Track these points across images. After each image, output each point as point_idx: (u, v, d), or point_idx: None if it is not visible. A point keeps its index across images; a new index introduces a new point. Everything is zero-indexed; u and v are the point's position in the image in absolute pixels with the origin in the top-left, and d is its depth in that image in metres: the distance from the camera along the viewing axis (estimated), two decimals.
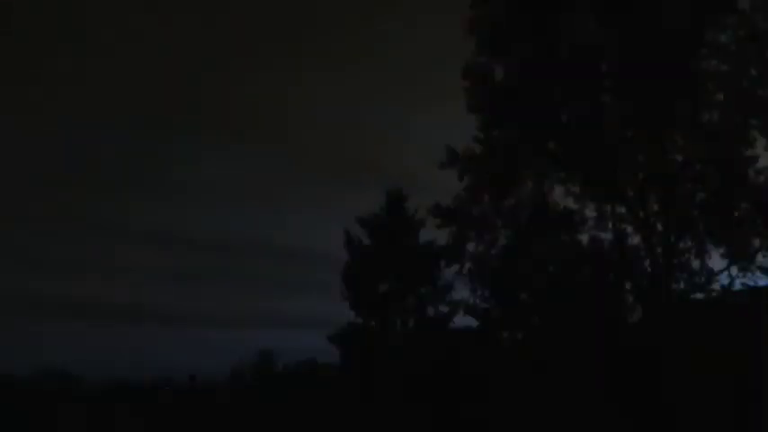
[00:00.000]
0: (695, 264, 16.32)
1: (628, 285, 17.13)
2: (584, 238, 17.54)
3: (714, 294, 16.32)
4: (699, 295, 16.65)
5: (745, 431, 15.41)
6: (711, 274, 16.23)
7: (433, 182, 20.43)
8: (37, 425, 41.64)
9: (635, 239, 16.78)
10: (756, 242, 15.56)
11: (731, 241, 15.67)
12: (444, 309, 27.15)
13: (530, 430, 18.21)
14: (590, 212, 17.41)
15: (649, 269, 16.46)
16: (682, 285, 16.41)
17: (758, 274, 15.62)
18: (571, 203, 17.47)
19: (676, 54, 16.11)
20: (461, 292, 21.36)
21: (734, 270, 15.76)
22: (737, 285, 15.85)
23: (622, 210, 17.00)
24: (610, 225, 17.16)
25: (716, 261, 16.14)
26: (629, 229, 16.91)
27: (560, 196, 17.63)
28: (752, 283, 15.73)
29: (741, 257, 15.57)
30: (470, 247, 18.04)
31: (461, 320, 24.35)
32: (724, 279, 16.00)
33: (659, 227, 16.46)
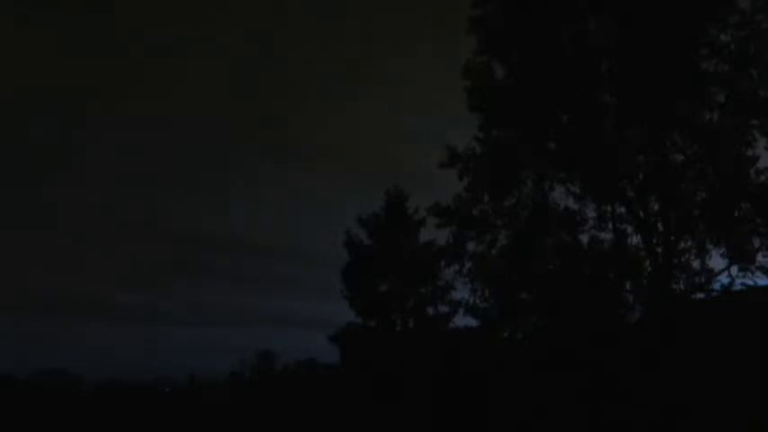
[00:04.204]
0: (695, 264, 16.33)
1: (628, 285, 17.10)
2: (585, 238, 17.53)
3: (714, 294, 16.33)
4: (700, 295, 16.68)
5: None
6: (711, 274, 16.23)
7: (433, 182, 20.46)
8: (37, 424, 41.62)
9: (635, 239, 16.77)
10: (756, 242, 15.54)
11: (731, 241, 15.65)
12: (444, 309, 27.20)
13: (530, 429, 18.21)
14: (590, 212, 17.41)
15: (649, 269, 16.46)
16: (682, 285, 16.42)
17: (758, 274, 15.60)
18: (571, 203, 17.47)
19: (677, 54, 16.12)
20: (461, 292, 21.34)
21: (734, 270, 15.76)
22: (737, 285, 15.85)
23: (622, 210, 17.00)
24: (610, 225, 17.15)
25: (716, 261, 16.15)
26: (629, 229, 16.90)
27: (560, 196, 17.63)
28: (752, 283, 15.70)
29: (741, 257, 15.54)
30: (470, 246, 18.04)
31: (461, 320, 24.37)
32: (724, 279, 16.01)
33: (659, 227, 16.46)
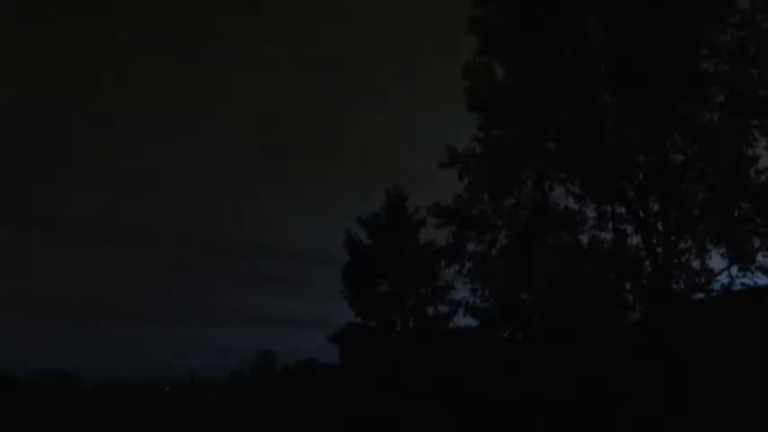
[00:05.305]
0: (695, 264, 16.34)
1: (628, 285, 17.11)
2: (585, 238, 17.54)
3: (714, 294, 16.33)
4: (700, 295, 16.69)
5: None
6: (711, 274, 16.23)
7: (433, 182, 20.46)
8: (37, 424, 41.60)
9: (635, 239, 16.77)
10: (756, 242, 15.53)
11: (731, 241, 15.65)
12: (444, 309, 27.21)
13: (530, 429, 18.21)
14: (590, 212, 17.41)
15: (649, 269, 16.45)
16: (682, 285, 16.42)
17: (758, 274, 15.60)
18: (571, 203, 17.47)
19: (677, 54, 16.11)
20: (461, 292, 21.36)
21: (734, 270, 15.76)
22: (737, 285, 15.84)
23: (622, 210, 17.00)
24: (610, 225, 17.15)
25: (716, 261, 16.15)
26: (629, 229, 16.90)
27: (560, 196, 17.63)
28: (752, 283, 15.69)
29: (741, 257, 15.54)
30: (470, 247, 18.05)
31: (461, 320, 24.39)
32: (724, 279, 16.00)
33: (659, 227, 16.45)
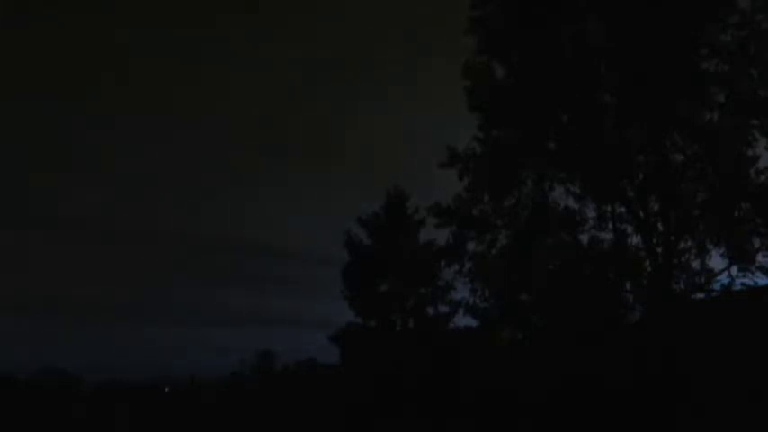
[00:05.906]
0: (695, 264, 16.34)
1: (628, 285, 17.11)
2: (585, 238, 17.54)
3: (714, 294, 16.34)
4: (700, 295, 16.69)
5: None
6: (711, 274, 16.23)
7: (433, 182, 20.47)
8: (37, 424, 41.61)
9: (635, 239, 16.78)
10: (756, 242, 15.54)
11: (731, 241, 15.65)
12: (444, 309, 27.21)
13: (526, 428, 18.22)
14: (590, 212, 17.42)
15: (649, 269, 16.46)
16: (682, 285, 16.42)
17: (758, 274, 15.60)
18: (571, 203, 17.48)
19: (677, 54, 16.12)
20: (461, 292, 21.36)
21: (734, 270, 15.76)
22: (737, 285, 15.84)
23: (622, 210, 17.00)
24: (610, 225, 17.15)
25: (716, 261, 16.15)
26: (629, 229, 16.91)
27: (560, 196, 17.64)
28: (752, 283, 15.69)
29: (741, 257, 15.54)
30: (470, 246, 18.05)
31: (461, 320, 24.38)
32: (724, 279, 16.01)
33: (659, 227, 16.46)
